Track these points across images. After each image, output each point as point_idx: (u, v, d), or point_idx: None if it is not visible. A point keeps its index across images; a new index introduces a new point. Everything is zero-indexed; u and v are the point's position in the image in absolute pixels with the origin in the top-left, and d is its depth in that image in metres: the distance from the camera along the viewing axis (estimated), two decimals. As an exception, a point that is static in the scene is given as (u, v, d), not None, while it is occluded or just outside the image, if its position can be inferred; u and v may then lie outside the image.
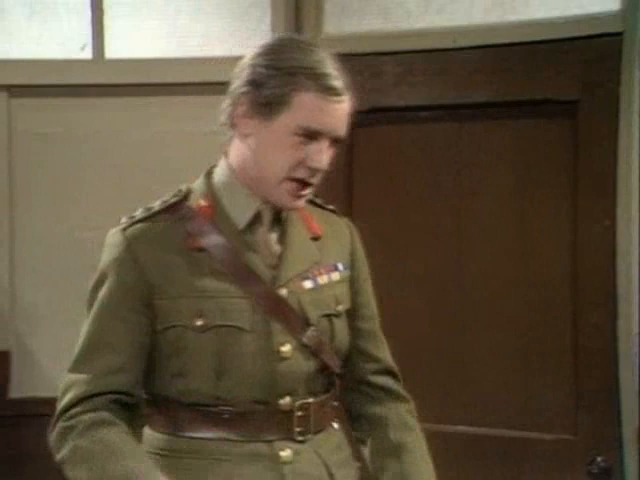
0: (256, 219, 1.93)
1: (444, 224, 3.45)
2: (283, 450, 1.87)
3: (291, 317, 1.90)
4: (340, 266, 2.02)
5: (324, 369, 1.94)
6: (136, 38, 3.74)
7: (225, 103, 1.90)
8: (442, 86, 3.42)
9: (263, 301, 1.87)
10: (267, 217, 1.94)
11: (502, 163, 3.38)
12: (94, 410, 1.82)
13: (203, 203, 1.92)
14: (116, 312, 1.87)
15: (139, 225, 1.91)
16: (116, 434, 1.79)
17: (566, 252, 3.28)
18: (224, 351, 1.85)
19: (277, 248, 1.95)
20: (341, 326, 1.99)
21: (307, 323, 1.92)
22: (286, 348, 1.88)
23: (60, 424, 1.84)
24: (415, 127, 3.48)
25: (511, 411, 3.31)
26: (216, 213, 1.91)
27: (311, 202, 2.05)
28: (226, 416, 1.86)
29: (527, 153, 3.36)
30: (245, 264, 1.88)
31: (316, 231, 2.01)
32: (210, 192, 1.94)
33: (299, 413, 1.90)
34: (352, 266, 2.05)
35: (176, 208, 1.92)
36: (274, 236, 1.95)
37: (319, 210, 2.08)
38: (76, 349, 1.90)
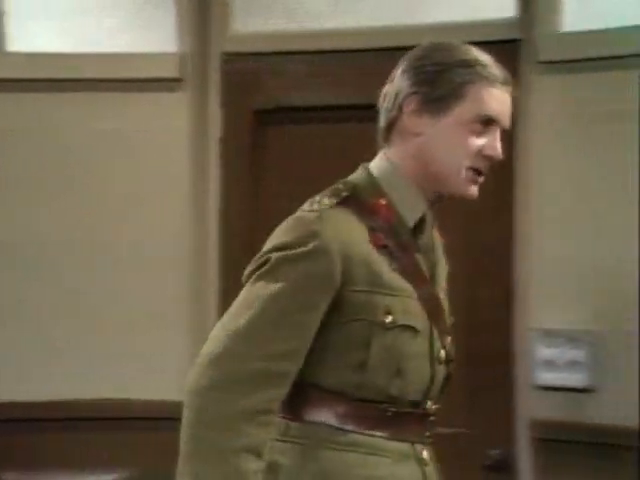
0: (422, 220, 1.94)
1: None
2: (422, 453, 1.92)
3: (444, 322, 1.95)
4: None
5: (450, 377, 1.97)
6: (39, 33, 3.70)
7: (385, 110, 1.96)
8: (347, 86, 3.47)
9: (427, 304, 1.91)
10: (430, 219, 1.96)
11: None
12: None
13: (382, 201, 1.91)
14: (304, 301, 1.81)
15: (328, 212, 1.87)
16: None
17: (463, 249, 3.35)
18: (402, 350, 1.87)
19: (431, 250, 1.98)
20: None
21: (450, 330, 1.98)
22: (442, 353, 1.93)
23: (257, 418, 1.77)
24: (320, 127, 3.51)
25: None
26: (394, 212, 1.91)
27: None
28: (389, 414, 1.87)
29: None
30: (418, 265, 1.91)
31: (439, 235, 2.04)
32: (379, 189, 1.93)
33: (432, 418, 1.95)
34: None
35: (351, 202, 1.90)
36: (429, 238, 1.98)
37: None
38: (246, 325, 1.78)
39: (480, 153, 1.89)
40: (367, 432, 1.85)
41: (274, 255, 1.82)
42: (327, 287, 1.81)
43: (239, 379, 1.75)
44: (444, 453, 3.24)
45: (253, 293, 1.81)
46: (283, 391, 1.80)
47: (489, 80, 1.89)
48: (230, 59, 3.54)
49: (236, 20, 3.63)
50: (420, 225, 1.93)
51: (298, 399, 1.85)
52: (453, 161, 1.89)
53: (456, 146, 1.89)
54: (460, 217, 3.33)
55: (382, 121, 1.97)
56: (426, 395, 1.90)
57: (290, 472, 1.84)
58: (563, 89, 3.30)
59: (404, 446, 1.88)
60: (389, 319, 1.85)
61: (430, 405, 1.92)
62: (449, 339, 1.94)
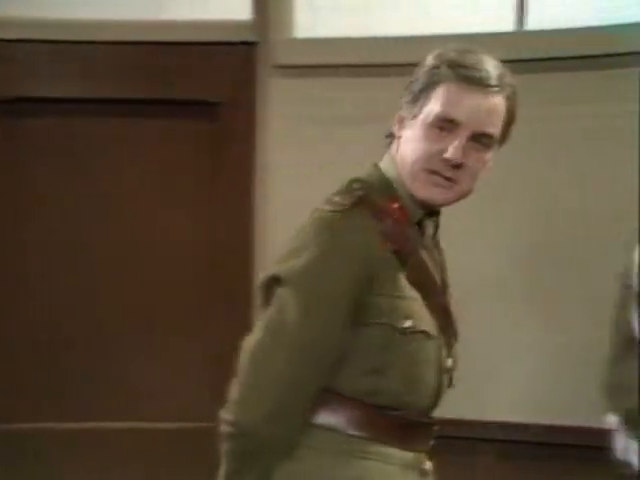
0: (421, 225, 1.85)
1: (93, 209, 3.45)
2: (423, 462, 1.82)
3: (452, 330, 1.85)
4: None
5: (450, 385, 1.87)
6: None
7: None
8: (92, 80, 3.41)
9: (438, 311, 1.82)
10: (429, 224, 1.86)
11: (151, 157, 3.42)
12: None
13: (395, 205, 1.80)
14: (338, 300, 1.74)
15: (349, 213, 1.77)
16: None
17: (206, 248, 3.39)
18: (415, 357, 1.78)
19: (437, 256, 1.88)
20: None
21: (457, 337, 1.86)
22: (449, 361, 1.83)
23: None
24: (64, 119, 3.42)
25: (154, 403, 3.36)
26: (406, 215, 1.81)
27: None
28: (404, 422, 1.78)
29: (175, 149, 3.43)
30: (428, 271, 1.82)
31: (439, 238, 1.92)
32: (392, 190, 1.83)
33: (435, 427, 1.84)
34: None
35: (365, 203, 1.79)
36: (432, 243, 1.88)
37: None
38: (291, 327, 1.72)
39: (439, 156, 1.77)
40: (378, 440, 1.78)
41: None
42: (352, 289, 1.75)
43: None
44: (180, 451, 3.28)
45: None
46: None
47: (457, 80, 1.76)
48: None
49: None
50: (423, 225, 1.85)
51: (318, 406, 1.77)
52: (412, 163, 1.80)
53: (416, 147, 1.79)
54: (204, 214, 3.38)
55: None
56: (434, 403, 1.82)
57: (292, 477, 1.76)
58: (298, 93, 3.38)
59: (409, 456, 1.80)
60: (409, 324, 1.77)
61: (434, 414, 1.83)
62: (455, 347, 1.85)
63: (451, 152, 1.75)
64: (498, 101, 1.77)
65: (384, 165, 1.86)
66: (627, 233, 2.33)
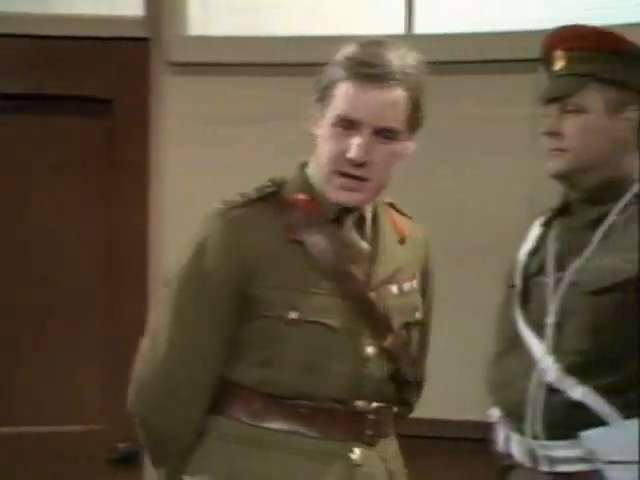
0: (341, 217, 1.86)
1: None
2: (353, 451, 1.83)
3: (378, 321, 1.85)
4: (417, 274, 1.97)
5: (397, 376, 1.90)
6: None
7: None
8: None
9: (354, 302, 1.83)
10: (350, 218, 1.87)
11: (42, 154, 3.38)
12: None
13: (302, 196, 1.84)
14: (214, 300, 1.82)
15: (237, 211, 1.84)
16: None
17: (103, 248, 3.36)
18: (313, 347, 1.80)
19: (366, 248, 1.88)
20: (416, 335, 1.96)
21: (390, 329, 1.86)
22: (370, 351, 1.84)
23: None
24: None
25: (49, 405, 3.32)
26: (316, 207, 1.83)
27: (392, 206, 1.98)
28: (303, 410, 1.81)
29: (68, 147, 3.39)
30: (340, 262, 1.82)
31: (404, 234, 1.94)
32: (307, 186, 1.86)
33: (371, 416, 1.85)
34: (423, 277, 2.00)
35: (273, 198, 1.84)
36: (367, 236, 1.89)
37: (399, 215, 2.00)
38: (164, 328, 1.84)
39: (343, 156, 1.80)
40: (280, 429, 1.82)
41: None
42: (225, 284, 1.81)
43: None
44: (71, 451, 3.26)
45: None
46: None
47: (352, 78, 1.78)
48: None
49: None
50: (342, 222, 1.87)
51: (220, 395, 1.85)
52: (323, 165, 1.83)
53: (324, 149, 1.82)
54: (100, 214, 3.36)
55: None
56: (353, 393, 1.84)
57: (199, 466, 1.83)
58: (193, 91, 3.37)
59: (330, 444, 1.82)
60: (293, 316, 1.81)
61: (366, 404, 1.85)
62: (391, 338, 1.86)
63: (353, 152, 1.78)
64: (398, 93, 1.79)
65: (310, 161, 1.90)
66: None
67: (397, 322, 1.88)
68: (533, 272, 2.25)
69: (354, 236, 1.88)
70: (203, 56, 3.37)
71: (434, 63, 3.06)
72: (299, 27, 3.42)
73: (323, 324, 1.82)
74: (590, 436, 2.08)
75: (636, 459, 2.05)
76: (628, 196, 2.18)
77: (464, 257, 3.18)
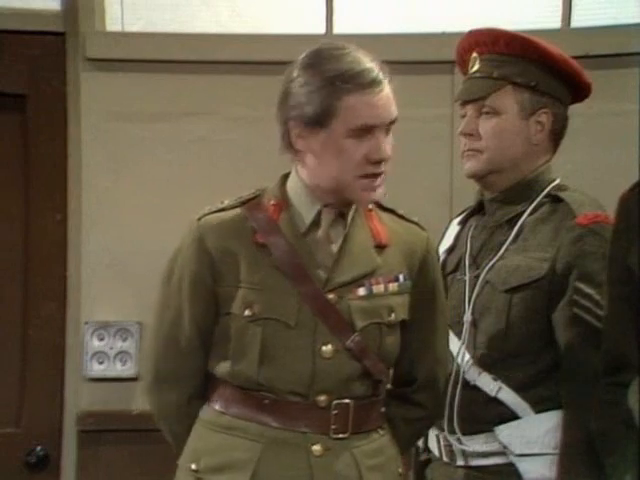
0: (317, 221, 1.96)
1: None
2: (315, 444, 1.92)
3: (336, 320, 1.93)
4: (401, 277, 2.01)
5: (368, 374, 1.96)
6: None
7: (279, 129, 1.96)
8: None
9: (310, 301, 1.92)
10: (327, 219, 1.97)
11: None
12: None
13: (272, 202, 1.97)
14: (186, 298, 1.97)
15: (212, 215, 1.97)
16: None
17: (19, 245, 3.33)
18: (268, 342, 1.92)
19: (333, 250, 1.97)
20: (391, 336, 1.99)
21: (353, 329, 1.93)
22: (327, 349, 1.92)
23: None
24: None
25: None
26: (282, 212, 1.96)
27: (391, 212, 2.07)
28: (266, 402, 1.93)
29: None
30: (299, 264, 1.93)
31: (381, 239, 2.00)
32: (281, 193, 1.99)
33: (335, 412, 1.93)
34: (418, 279, 2.03)
35: (249, 204, 1.98)
36: (339, 240, 1.97)
37: (398, 220, 2.07)
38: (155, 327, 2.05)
39: (366, 160, 1.90)
40: (244, 417, 1.95)
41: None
42: (197, 285, 1.97)
43: None
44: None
45: None
46: None
47: (356, 90, 1.88)
48: None
49: None
50: (316, 226, 1.96)
51: (208, 386, 2.02)
52: (343, 174, 1.91)
53: (342, 159, 1.90)
54: (16, 211, 3.32)
55: (281, 141, 1.98)
56: (313, 388, 1.92)
57: (186, 448, 2.02)
58: (110, 87, 3.36)
59: (291, 435, 1.92)
60: (248, 312, 1.93)
61: (327, 399, 1.92)
62: (352, 337, 1.93)
63: (382, 152, 1.91)
64: (388, 88, 1.93)
65: (292, 174, 2.01)
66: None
67: (361, 323, 1.95)
68: (451, 270, 2.30)
69: (328, 240, 1.98)
70: (120, 52, 3.36)
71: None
72: (217, 25, 3.43)
73: (278, 320, 1.92)
74: (503, 430, 2.13)
75: (546, 451, 2.10)
76: (540, 197, 2.24)
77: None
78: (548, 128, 2.25)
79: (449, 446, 2.19)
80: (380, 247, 2.00)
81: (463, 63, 2.33)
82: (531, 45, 2.24)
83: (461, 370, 2.18)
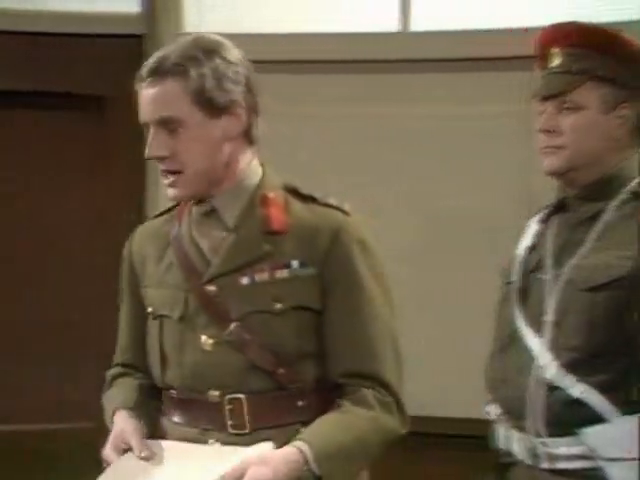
0: (210, 213, 1.95)
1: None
2: (211, 440, 1.88)
3: (216, 312, 1.90)
4: (295, 263, 1.91)
5: (259, 367, 1.89)
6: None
7: None
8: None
9: (195, 294, 1.91)
10: (198, 212, 1.95)
11: (38, 150, 3.38)
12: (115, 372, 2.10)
13: (184, 202, 1.99)
14: (123, 300, 2.05)
15: (147, 222, 2.06)
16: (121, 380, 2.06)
17: (95, 247, 3.37)
18: (163, 339, 1.94)
19: (219, 243, 1.94)
20: (280, 324, 1.91)
21: (227, 320, 1.89)
22: (208, 342, 1.89)
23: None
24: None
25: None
26: (188, 207, 1.97)
27: (309, 198, 1.98)
28: (175, 400, 1.95)
29: (61, 143, 3.40)
30: (187, 257, 1.92)
31: (276, 226, 1.92)
32: None
33: (229, 407, 1.88)
34: (323, 266, 1.92)
35: (180, 207, 1.99)
36: (224, 232, 1.94)
37: (311, 206, 1.97)
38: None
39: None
40: (164, 414, 1.97)
41: None
42: (127, 287, 2.04)
43: None
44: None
45: None
46: None
47: (138, 85, 1.92)
48: None
49: None
50: (206, 218, 1.95)
51: None
52: None
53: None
54: (93, 211, 3.36)
55: None
56: (204, 383, 1.89)
57: None
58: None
59: (192, 432, 1.91)
60: (149, 310, 1.97)
61: (219, 394, 1.89)
62: (231, 327, 1.89)
63: (148, 149, 1.90)
64: (166, 88, 1.87)
65: None
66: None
67: (239, 312, 1.90)
68: (531, 268, 2.26)
69: (215, 231, 1.94)
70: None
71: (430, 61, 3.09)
72: (294, 24, 3.43)
73: (169, 317, 1.94)
74: (589, 433, 2.09)
75: (635, 456, 2.06)
76: (623, 193, 2.20)
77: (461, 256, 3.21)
78: (630, 122, 2.20)
79: (533, 449, 2.16)
80: (272, 234, 1.92)
81: (543, 58, 2.29)
82: (611, 38, 2.19)
83: (543, 371, 2.14)
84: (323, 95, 3.36)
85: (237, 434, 1.89)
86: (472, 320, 3.09)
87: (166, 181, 1.90)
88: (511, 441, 2.22)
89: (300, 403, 1.92)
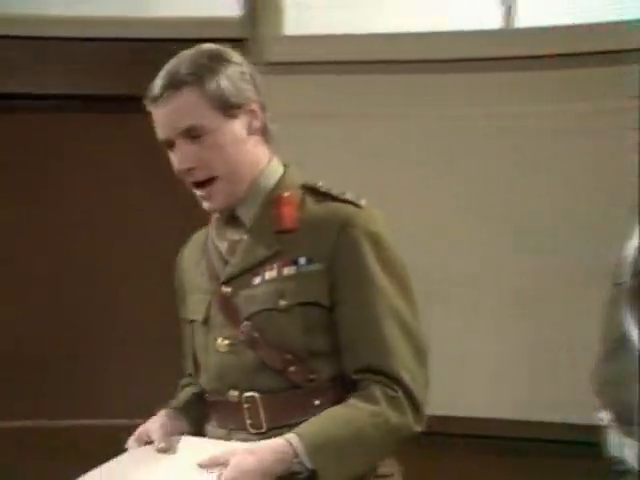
0: (228, 219, 1.97)
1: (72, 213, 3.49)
2: (233, 439, 1.90)
3: (230, 313, 1.93)
4: (302, 260, 1.91)
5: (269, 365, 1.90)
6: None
7: None
8: (74, 75, 3.44)
9: (216, 297, 1.94)
10: (219, 219, 1.99)
11: (129, 154, 3.44)
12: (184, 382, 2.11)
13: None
14: (179, 308, 2.07)
15: (198, 231, 2.07)
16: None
17: (156, 251, 3.34)
18: (195, 344, 2.00)
19: (235, 246, 1.97)
20: (286, 321, 1.90)
21: (238, 319, 1.92)
22: (223, 343, 1.92)
23: None
24: (44, 116, 3.47)
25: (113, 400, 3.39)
26: (214, 219, 2.01)
27: (326, 194, 1.96)
28: (208, 403, 1.98)
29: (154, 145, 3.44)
30: (210, 260, 1.98)
31: (286, 225, 1.93)
32: None
33: (246, 405, 1.91)
34: (331, 260, 1.90)
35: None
36: (241, 234, 1.96)
37: (327, 203, 1.95)
38: None
39: (178, 171, 1.92)
40: (207, 419, 1.98)
41: None
42: (177, 294, 2.07)
43: None
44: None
45: None
46: None
47: (149, 104, 1.94)
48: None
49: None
50: (227, 224, 1.97)
51: None
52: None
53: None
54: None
55: None
56: (224, 384, 1.92)
57: None
58: (289, 89, 3.37)
59: (222, 433, 1.94)
60: (184, 315, 2.03)
61: (237, 394, 1.90)
62: (242, 326, 1.90)
63: (176, 164, 1.91)
64: (184, 98, 1.89)
65: None
66: (615, 230, 2.35)
67: (247, 311, 1.91)
68: (642, 269, 2.20)
69: (233, 235, 1.96)
70: (299, 55, 3.40)
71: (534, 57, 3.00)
72: (392, 24, 3.41)
73: (197, 321, 1.97)
74: None
75: None
76: None
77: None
78: None
79: (649, 457, 2.10)
80: (283, 232, 1.91)
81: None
82: None
83: None
84: (423, 95, 3.32)
85: (257, 433, 1.89)
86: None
87: (199, 193, 1.92)
88: (624, 448, 2.16)
89: (317, 402, 1.89)
